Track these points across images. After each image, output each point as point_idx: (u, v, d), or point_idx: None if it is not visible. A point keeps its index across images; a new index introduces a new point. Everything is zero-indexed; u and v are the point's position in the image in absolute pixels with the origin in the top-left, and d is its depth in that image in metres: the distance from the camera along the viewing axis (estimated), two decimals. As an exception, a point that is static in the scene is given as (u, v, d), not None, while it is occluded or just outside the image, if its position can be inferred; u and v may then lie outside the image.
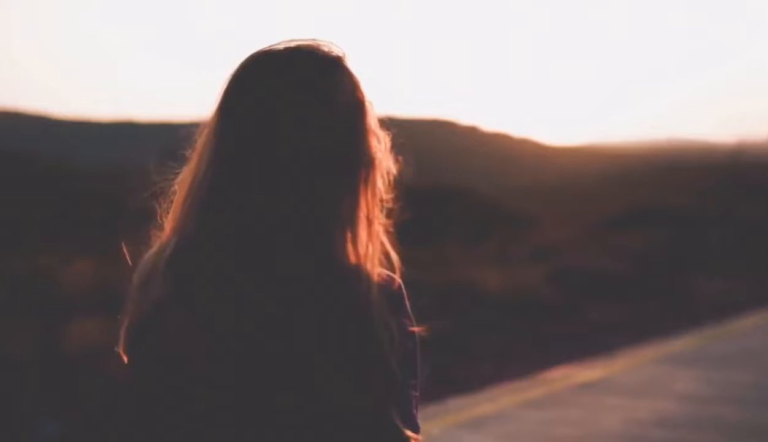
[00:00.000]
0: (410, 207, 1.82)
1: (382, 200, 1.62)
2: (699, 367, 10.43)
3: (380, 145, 1.61)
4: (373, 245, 1.57)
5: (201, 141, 1.60)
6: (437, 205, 24.57)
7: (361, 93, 1.60)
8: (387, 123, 1.63)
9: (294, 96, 1.54)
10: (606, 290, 15.67)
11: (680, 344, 12.00)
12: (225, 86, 1.59)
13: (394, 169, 1.64)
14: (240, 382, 1.49)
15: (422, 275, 15.77)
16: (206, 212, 1.55)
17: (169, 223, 1.61)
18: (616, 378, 9.85)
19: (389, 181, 1.63)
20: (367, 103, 1.60)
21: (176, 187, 1.63)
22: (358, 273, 1.54)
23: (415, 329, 1.59)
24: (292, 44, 1.59)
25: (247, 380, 1.49)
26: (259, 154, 1.53)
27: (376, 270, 1.57)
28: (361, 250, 1.56)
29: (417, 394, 1.59)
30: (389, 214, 1.65)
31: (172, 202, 1.62)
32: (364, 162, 1.58)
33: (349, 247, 1.55)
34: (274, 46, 1.60)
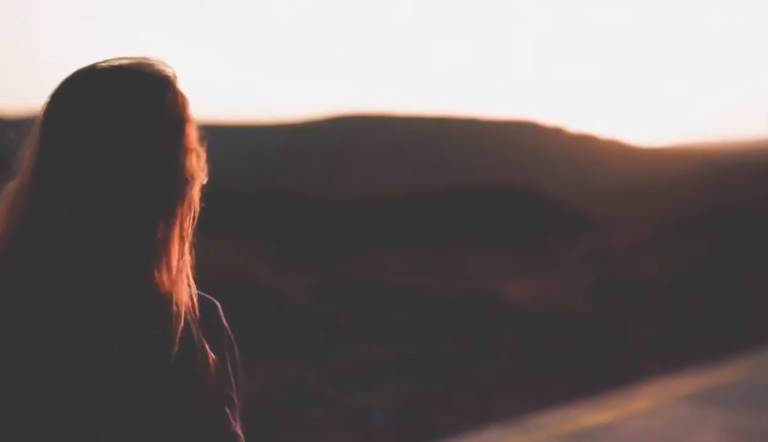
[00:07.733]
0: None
1: (196, 216, 1.59)
2: (731, 408, 8.56)
3: (199, 161, 1.58)
4: (184, 264, 1.56)
5: (25, 157, 1.56)
6: (503, 208, 23.25)
7: (187, 113, 1.57)
8: (204, 133, 1.60)
9: (115, 116, 1.51)
10: (655, 302, 13.81)
11: (720, 374, 10.10)
12: (46, 103, 1.55)
13: (205, 180, 1.60)
14: (55, 393, 1.47)
15: (443, 286, 14.26)
16: (24, 229, 1.52)
17: None
18: (624, 424, 8.06)
19: (201, 193, 1.60)
20: (190, 123, 1.57)
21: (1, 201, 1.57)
22: (169, 299, 1.53)
23: (233, 347, 1.64)
24: (116, 63, 1.56)
25: (61, 393, 1.47)
26: (77, 174, 1.50)
27: (191, 291, 1.58)
28: (174, 272, 1.55)
29: (236, 409, 1.60)
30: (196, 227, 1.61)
31: None
32: (184, 180, 1.56)
33: (163, 271, 1.54)
34: (98, 64, 1.56)
